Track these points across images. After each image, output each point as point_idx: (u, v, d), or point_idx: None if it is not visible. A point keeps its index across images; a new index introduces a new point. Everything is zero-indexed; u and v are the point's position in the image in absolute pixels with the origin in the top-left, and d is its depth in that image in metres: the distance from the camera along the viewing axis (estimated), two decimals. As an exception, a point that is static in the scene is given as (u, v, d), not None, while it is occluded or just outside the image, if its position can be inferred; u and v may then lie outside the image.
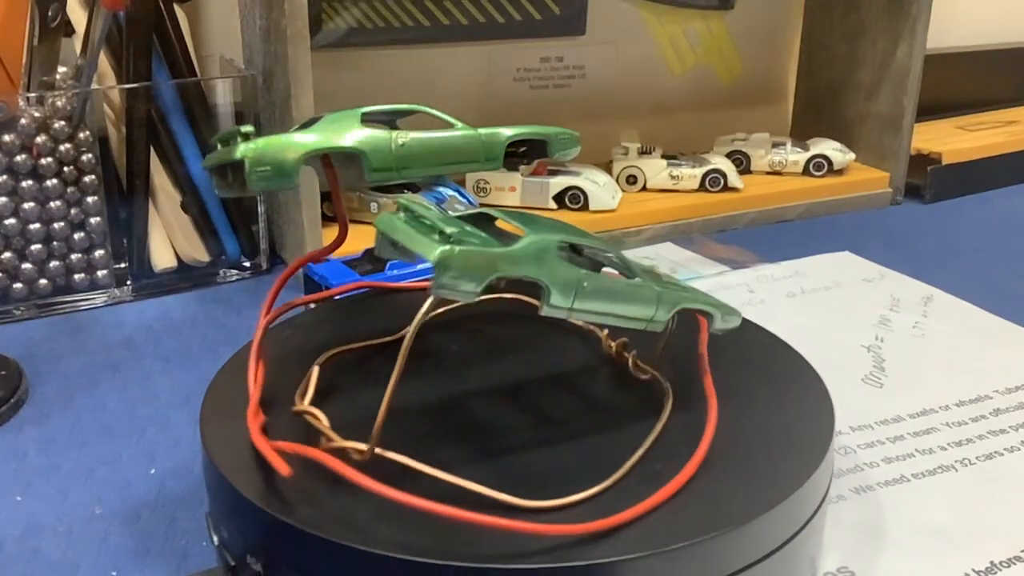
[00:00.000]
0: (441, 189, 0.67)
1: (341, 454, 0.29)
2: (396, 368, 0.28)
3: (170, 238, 0.64)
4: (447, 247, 0.27)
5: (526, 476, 0.31)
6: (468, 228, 0.30)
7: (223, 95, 0.63)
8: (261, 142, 0.33)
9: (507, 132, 0.36)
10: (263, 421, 0.31)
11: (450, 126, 0.36)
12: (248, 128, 0.34)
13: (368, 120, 0.35)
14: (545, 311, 0.30)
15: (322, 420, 0.31)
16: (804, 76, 0.89)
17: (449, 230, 0.28)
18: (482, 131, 0.36)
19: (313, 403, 0.33)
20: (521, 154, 0.38)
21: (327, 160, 0.36)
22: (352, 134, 0.35)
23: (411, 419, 0.34)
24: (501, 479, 0.30)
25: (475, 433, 0.33)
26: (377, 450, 0.29)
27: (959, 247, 0.71)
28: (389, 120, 0.37)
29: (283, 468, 0.28)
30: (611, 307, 0.31)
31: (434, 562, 0.27)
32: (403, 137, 0.35)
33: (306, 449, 0.29)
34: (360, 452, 0.29)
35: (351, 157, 0.35)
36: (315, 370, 0.35)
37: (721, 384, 0.35)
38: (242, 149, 0.33)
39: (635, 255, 0.68)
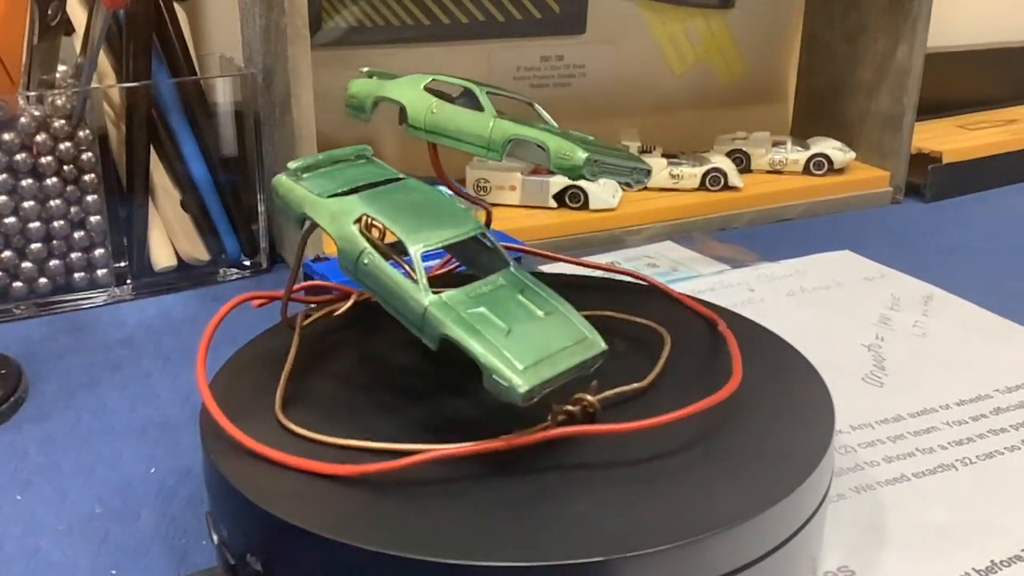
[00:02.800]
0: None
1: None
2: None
3: (170, 237, 0.64)
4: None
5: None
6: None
7: (223, 94, 0.63)
8: (359, 82, 0.40)
9: (514, 130, 0.36)
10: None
11: (480, 109, 0.38)
12: (369, 69, 0.41)
13: (433, 86, 0.39)
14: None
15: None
16: (804, 75, 0.89)
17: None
18: (498, 122, 0.37)
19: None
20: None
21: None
22: (409, 92, 0.39)
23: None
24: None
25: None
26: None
27: (959, 246, 0.71)
28: (462, 93, 0.39)
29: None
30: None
31: (435, 560, 0.27)
32: (436, 107, 0.38)
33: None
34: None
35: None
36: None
37: (721, 383, 0.35)
38: (351, 84, 0.41)
39: (636, 253, 0.68)
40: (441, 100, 0.39)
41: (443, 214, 0.34)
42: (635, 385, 0.35)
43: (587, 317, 0.32)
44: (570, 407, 0.32)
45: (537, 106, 0.40)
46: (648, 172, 0.39)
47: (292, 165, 0.36)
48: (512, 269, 0.33)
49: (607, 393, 0.34)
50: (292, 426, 0.33)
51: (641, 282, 0.45)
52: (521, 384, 0.29)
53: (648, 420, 0.31)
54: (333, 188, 0.35)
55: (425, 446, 0.31)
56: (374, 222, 0.33)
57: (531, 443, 0.31)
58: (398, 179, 0.36)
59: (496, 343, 0.30)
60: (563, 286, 0.35)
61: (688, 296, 0.43)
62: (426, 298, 0.31)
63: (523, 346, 0.30)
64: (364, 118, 0.40)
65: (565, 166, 0.35)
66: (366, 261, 0.32)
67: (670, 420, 0.31)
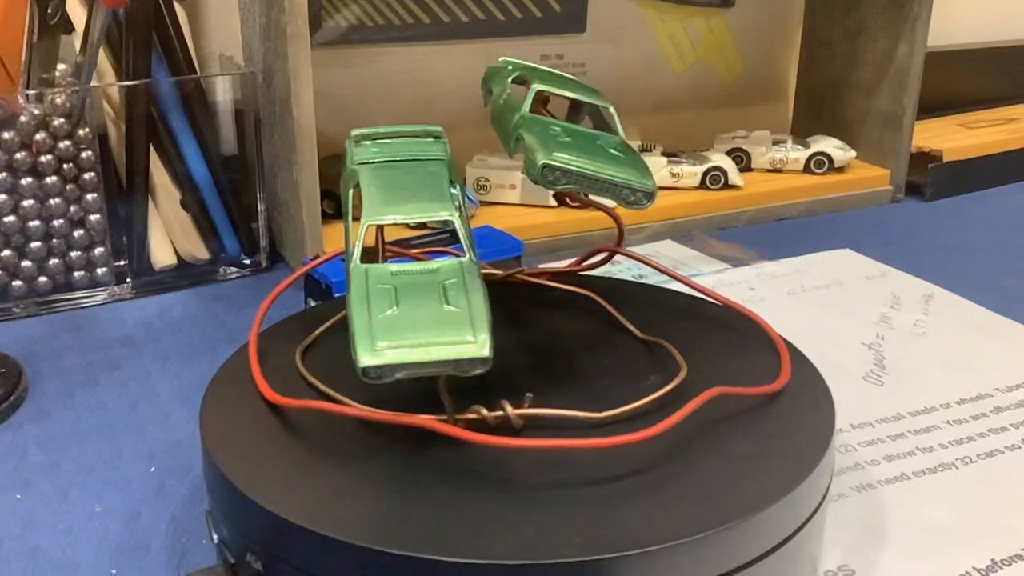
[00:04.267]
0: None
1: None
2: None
3: (170, 236, 0.64)
4: None
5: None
6: None
7: (223, 93, 0.63)
8: (491, 69, 0.42)
9: (520, 128, 0.36)
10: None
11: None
12: (506, 59, 0.42)
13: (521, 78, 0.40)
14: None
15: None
16: (805, 74, 0.89)
17: None
18: (522, 118, 0.37)
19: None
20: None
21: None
22: (499, 85, 0.40)
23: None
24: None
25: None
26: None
27: (960, 245, 0.71)
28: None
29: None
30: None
31: (435, 559, 0.27)
32: (504, 96, 0.39)
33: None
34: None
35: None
36: None
37: (721, 382, 0.35)
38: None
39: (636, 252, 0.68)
40: (510, 91, 0.39)
41: (422, 198, 0.34)
42: (579, 414, 0.33)
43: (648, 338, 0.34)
44: (482, 411, 0.32)
45: (611, 110, 0.39)
46: (650, 195, 0.35)
47: (354, 132, 0.37)
48: (462, 260, 0.32)
49: (528, 410, 0.33)
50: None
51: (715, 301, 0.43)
52: (364, 359, 0.29)
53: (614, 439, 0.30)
54: (367, 158, 0.35)
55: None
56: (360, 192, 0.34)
57: (402, 424, 0.32)
58: (439, 159, 0.36)
59: (371, 317, 0.30)
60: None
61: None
62: (351, 264, 0.32)
63: (395, 327, 0.29)
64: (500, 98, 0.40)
65: (527, 167, 0.35)
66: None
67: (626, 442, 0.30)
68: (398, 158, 0.35)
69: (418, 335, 0.29)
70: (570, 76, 0.41)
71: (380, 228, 0.35)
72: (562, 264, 0.48)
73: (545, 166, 0.34)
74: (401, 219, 0.33)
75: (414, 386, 0.31)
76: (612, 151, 0.36)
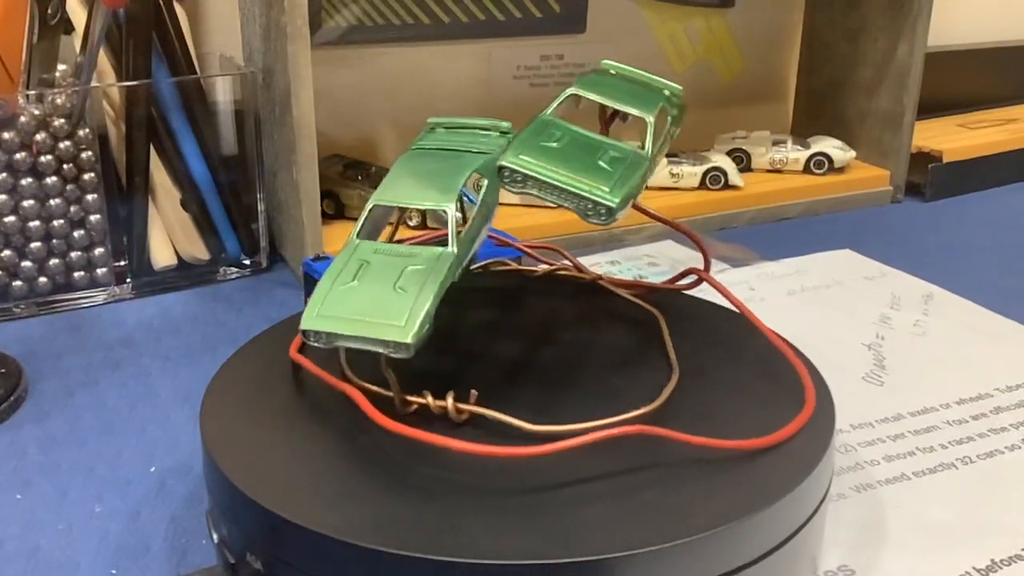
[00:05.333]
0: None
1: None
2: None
3: (170, 236, 0.64)
4: None
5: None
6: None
7: (223, 93, 0.63)
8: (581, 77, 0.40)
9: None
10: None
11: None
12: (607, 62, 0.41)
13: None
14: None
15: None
16: (805, 74, 0.89)
17: None
18: (543, 120, 0.37)
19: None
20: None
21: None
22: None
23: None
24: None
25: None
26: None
27: (960, 245, 0.71)
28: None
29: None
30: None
31: (435, 558, 0.27)
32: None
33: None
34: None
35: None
36: None
37: (721, 381, 0.35)
38: None
39: (636, 252, 0.68)
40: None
41: (431, 187, 0.35)
42: (514, 421, 0.32)
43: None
44: (428, 398, 0.33)
45: (648, 120, 0.38)
46: (610, 211, 0.33)
47: (431, 120, 0.39)
48: (443, 250, 0.33)
49: (469, 407, 0.33)
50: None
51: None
52: (305, 322, 0.31)
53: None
54: (419, 144, 0.37)
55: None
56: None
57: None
58: (481, 153, 0.37)
59: (332, 286, 0.32)
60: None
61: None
62: (353, 238, 0.34)
63: (344, 299, 0.31)
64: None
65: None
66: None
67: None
68: (444, 147, 0.37)
69: (358, 310, 0.31)
70: (644, 76, 0.40)
71: (400, 211, 0.37)
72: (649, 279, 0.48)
73: (502, 168, 0.34)
74: (403, 204, 0.34)
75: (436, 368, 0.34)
76: (601, 162, 0.35)
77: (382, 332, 0.30)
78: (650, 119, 0.37)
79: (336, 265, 0.33)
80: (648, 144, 0.37)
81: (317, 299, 0.31)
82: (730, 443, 0.31)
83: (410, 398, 0.33)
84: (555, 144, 0.35)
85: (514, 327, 0.42)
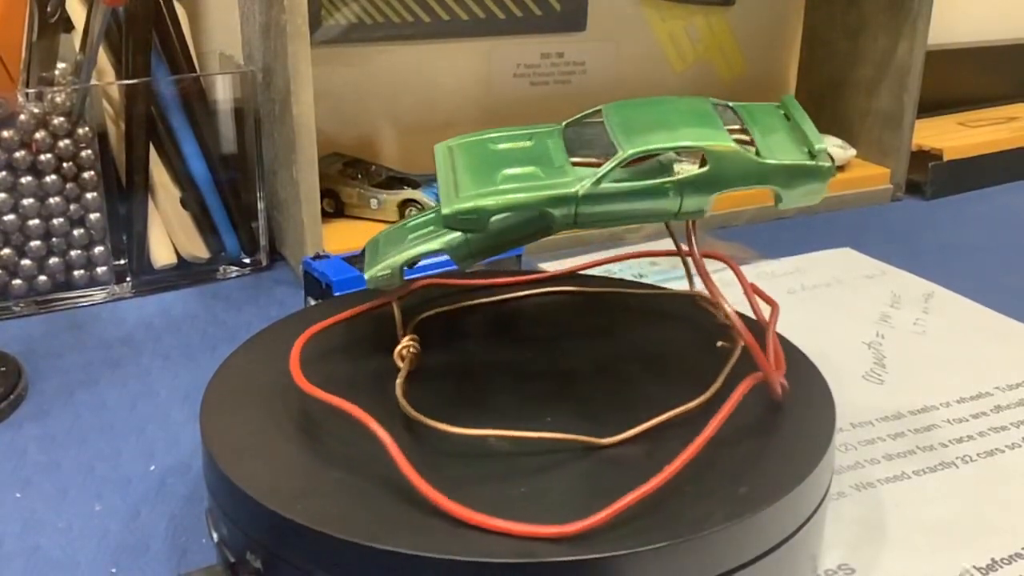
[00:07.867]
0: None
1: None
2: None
3: (170, 235, 0.63)
4: None
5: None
6: None
7: (223, 91, 0.63)
8: None
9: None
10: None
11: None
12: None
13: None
14: None
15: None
16: (805, 72, 0.89)
17: None
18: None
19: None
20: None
21: None
22: None
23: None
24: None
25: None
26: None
27: (960, 243, 0.71)
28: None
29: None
30: None
31: (435, 557, 0.27)
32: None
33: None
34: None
35: None
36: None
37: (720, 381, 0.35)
38: None
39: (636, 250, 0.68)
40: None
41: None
42: (434, 423, 0.32)
43: None
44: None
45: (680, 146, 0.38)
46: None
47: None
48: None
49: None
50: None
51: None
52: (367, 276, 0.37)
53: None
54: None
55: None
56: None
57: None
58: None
59: (379, 245, 0.39)
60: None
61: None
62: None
63: (384, 253, 0.38)
64: None
65: None
66: None
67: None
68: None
69: (387, 256, 0.37)
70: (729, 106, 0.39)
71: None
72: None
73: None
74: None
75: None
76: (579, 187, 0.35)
77: (379, 270, 0.35)
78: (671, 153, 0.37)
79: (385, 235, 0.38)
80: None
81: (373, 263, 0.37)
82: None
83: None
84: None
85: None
